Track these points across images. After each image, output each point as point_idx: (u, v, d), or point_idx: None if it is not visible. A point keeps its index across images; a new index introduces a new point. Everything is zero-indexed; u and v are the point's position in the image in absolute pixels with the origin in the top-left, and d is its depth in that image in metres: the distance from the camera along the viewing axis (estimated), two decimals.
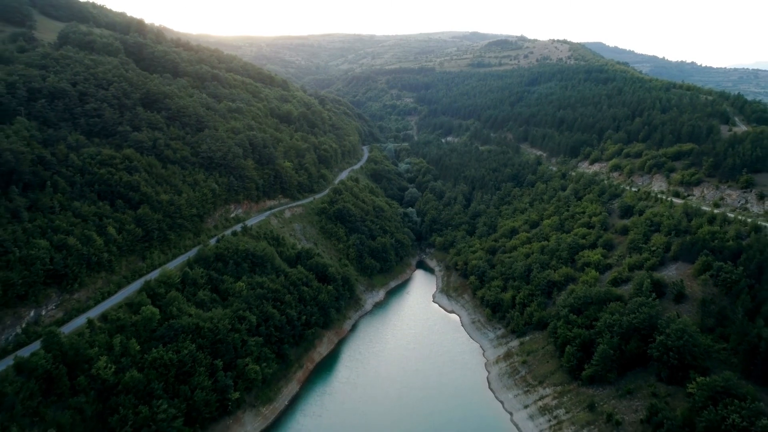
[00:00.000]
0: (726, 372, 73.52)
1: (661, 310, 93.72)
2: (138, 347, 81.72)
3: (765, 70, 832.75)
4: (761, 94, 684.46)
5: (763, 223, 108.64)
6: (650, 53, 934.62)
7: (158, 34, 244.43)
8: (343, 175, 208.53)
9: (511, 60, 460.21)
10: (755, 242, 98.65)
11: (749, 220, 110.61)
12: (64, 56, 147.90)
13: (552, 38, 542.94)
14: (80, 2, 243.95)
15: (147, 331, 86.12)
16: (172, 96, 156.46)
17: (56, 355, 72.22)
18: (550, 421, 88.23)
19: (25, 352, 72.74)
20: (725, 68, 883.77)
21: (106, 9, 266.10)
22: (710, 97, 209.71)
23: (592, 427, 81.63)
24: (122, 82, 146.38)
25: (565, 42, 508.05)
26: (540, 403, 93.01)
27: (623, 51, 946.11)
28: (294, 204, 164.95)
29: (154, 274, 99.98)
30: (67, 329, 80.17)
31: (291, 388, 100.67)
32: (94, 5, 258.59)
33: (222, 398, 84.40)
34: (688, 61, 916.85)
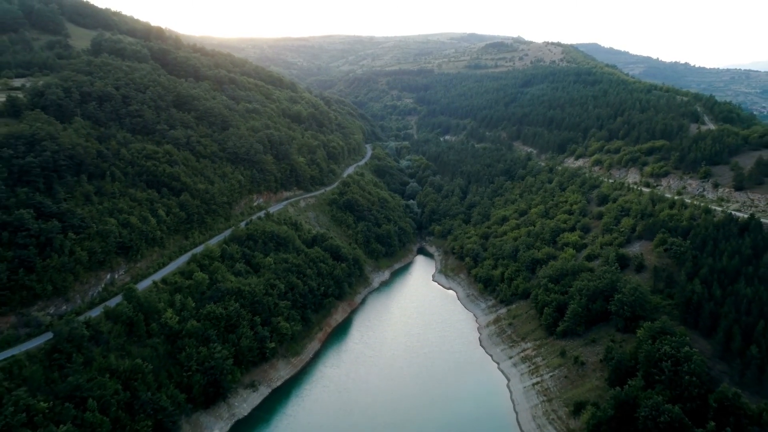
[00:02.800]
0: (664, 317, 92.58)
1: (623, 277, 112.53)
2: (193, 304, 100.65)
3: (756, 71, 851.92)
4: (751, 94, 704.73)
5: (714, 207, 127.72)
6: (645, 54, 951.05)
7: (176, 41, 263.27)
8: (350, 170, 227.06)
9: (506, 62, 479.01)
10: (703, 221, 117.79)
11: (702, 204, 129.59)
12: (105, 63, 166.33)
13: (546, 40, 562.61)
14: (103, 11, 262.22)
15: (198, 293, 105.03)
16: (198, 98, 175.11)
17: (135, 306, 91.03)
18: (529, 366, 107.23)
19: (109, 305, 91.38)
20: (718, 69, 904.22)
21: (125, 16, 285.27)
22: (685, 98, 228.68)
23: (563, 367, 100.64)
24: (156, 86, 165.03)
25: (558, 44, 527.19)
26: (522, 354, 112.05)
27: (618, 52, 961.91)
28: (307, 195, 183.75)
29: (198, 250, 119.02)
30: None
31: (314, 345, 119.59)
32: (114, 13, 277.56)
33: (261, 347, 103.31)
34: (682, 61, 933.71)
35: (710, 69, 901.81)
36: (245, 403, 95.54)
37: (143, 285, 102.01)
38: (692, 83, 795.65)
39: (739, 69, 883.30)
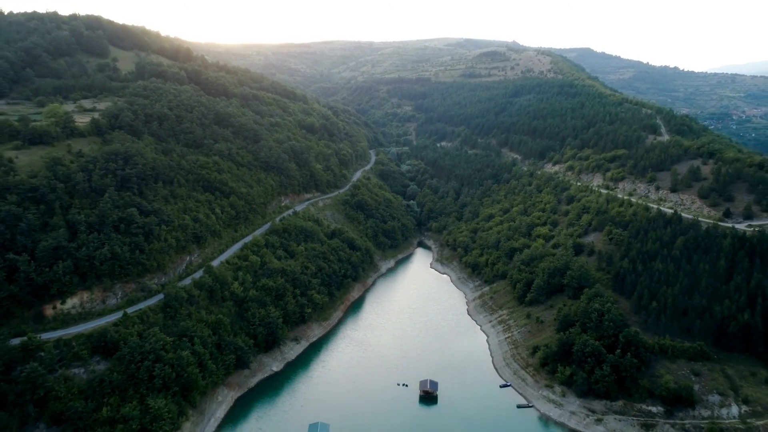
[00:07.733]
0: (597, 285, 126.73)
1: (575, 259, 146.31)
2: (251, 279, 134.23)
3: (743, 75, 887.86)
4: (735, 98, 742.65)
5: (652, 206, 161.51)
6: (636, 58, 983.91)
7: (202, 59, 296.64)
8: (358, 175, 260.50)
9: (499, 71, 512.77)
10: (640, 217, 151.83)
11: (643, 203, 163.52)
12: (157, 87, 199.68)
13: (540, 46, 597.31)
14: (137, 33, 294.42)
15: (253, 271, 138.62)
16: (233, 116, 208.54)
17: (213, 278, 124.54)
18: (503, 326, 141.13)
19: (195, 277, 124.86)
20: (706, 73, 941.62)
21: (153, 35, 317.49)
22: (649, 111, 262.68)
23: (527, 325, 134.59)
24: (200, 106, 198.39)
25: (548, 54, 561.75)
26: (499, 318, 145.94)
27: (609, 57, 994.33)
28: (324, 196, 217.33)
29: (247, 239, 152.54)
30: None
31: (338, 314, 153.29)
32: (144, 32, 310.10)
33: (301, 311, 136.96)
34: (672, 65, 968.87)
35: (698, 73, 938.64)
36: (292, 351, 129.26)
37: (213, 264, 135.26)
38: (680, 87, 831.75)
39: (726, 73, 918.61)
